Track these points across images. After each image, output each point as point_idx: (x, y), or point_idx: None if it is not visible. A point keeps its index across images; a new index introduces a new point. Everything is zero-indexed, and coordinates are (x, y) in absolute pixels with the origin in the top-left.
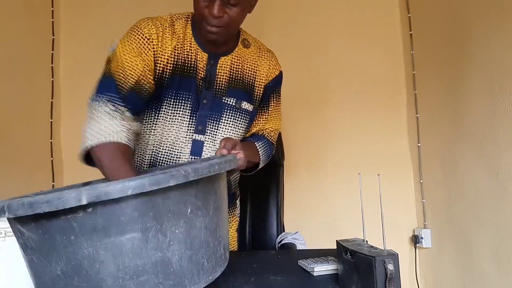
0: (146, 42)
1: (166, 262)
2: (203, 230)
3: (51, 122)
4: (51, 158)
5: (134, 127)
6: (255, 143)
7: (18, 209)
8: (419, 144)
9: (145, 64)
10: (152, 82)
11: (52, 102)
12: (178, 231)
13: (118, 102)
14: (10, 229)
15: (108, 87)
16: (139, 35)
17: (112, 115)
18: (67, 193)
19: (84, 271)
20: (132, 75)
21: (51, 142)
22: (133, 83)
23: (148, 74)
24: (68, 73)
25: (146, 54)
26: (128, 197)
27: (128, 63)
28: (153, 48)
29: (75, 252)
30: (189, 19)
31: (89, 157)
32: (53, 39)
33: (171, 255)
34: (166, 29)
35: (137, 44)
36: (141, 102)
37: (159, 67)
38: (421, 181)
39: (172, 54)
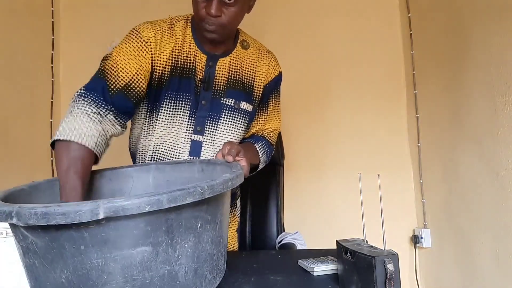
0: (144, 45)
1: (173, 276)
2: (209, 243)
3: (51, 122)
4: (51, 158)
5: (112, 131)
6: (255, 144)
7: (30, 218)
8: (419, 144)
9: (139, 68)
10: (144, 87)
11: (52, 102)
12: (187, 245)
13: (102, 104)
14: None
15: (97, 87)
16: (137, 38)
17: (91, 117)
18: (84, 206)
19: (91, 281)
20: (124, 76)
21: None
22: (123, 84)
23: (141, 78)
24: (68, 73)
25: (143, 57)
26: (143, 212)
27: (122, 64)
28: (151, 51)
29: (83, 262)
30: (188, 21)
31: None
32: (53, 39)
33: (178, 268)
34: (165, 31)
35: (134, 47)
36: (128, 105)
37: (158, 69)
38: (421, 181)
39: (170, 56)
